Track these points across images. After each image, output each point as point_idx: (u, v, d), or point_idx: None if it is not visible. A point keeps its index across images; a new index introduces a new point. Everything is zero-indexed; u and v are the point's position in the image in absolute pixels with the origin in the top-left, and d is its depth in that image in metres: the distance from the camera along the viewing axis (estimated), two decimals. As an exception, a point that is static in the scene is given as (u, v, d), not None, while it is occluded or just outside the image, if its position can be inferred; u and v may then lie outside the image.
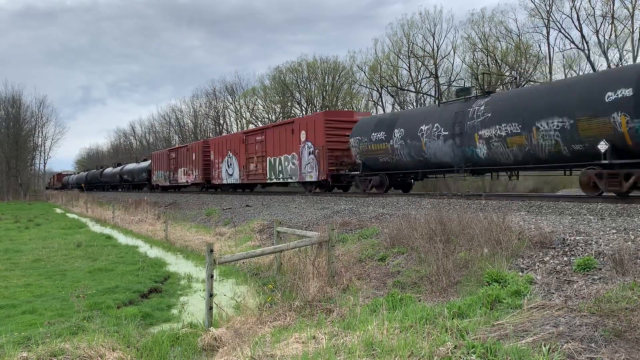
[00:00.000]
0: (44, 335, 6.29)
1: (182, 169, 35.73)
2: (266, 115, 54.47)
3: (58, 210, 37.96)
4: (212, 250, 7.13)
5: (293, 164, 22.30)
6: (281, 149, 23.29)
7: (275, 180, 24.13)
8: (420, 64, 42.46)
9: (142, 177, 46.40)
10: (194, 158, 33.58)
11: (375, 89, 45.62)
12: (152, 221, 22.08)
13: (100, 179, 61.39)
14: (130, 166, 52.67)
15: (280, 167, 23.49)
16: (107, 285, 9.49)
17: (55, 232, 20.09)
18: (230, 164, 28.75)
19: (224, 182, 29.56)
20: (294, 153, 22.29)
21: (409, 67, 42.99)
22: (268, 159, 24.44)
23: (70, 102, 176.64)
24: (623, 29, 31.33)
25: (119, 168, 56.03)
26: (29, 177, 69.35)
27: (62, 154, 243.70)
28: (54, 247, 14.98)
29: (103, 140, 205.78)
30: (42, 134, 67.84)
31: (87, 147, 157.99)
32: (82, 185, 66.54)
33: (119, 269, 11.24)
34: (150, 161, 44.67)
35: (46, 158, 70.59)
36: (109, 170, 60.85)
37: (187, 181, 34.91)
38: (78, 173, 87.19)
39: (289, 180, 23.07)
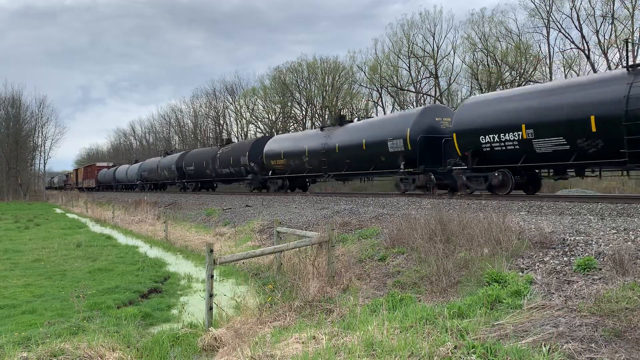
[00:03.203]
0: (44, 336, 6.29)
1: None
2: (266, 115, 54.52)
3: (58, 211, 37.95)
4: (212, 251, 7.12)
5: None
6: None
7: None
8: (420, 64, 42.46)
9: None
10: None
11: (375, 89, 45.63)
12: (152, 221, 22.06)
13: (236, 167, 28.39)
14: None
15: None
16: (107, 285, 9.49)
17: (55, 232, 20.08)
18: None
19: None
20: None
21: (409, 67, 43.02)
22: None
23: (70, 102, 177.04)
24: (623, 29, 31.32)
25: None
26: (29, 177, 69.29)
27: (62, 154, 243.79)
28: (54, 247, 14.96)
29: (103, 140, 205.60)
30: (42, 134, 67.72)
31: (86, 147, 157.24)
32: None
33: (119, 269, 11.24)
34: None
35: (46, 158, 70.42)
36: (283, 141, 25.36)
37: None
38: (135, 162, 53.18)
39: None
